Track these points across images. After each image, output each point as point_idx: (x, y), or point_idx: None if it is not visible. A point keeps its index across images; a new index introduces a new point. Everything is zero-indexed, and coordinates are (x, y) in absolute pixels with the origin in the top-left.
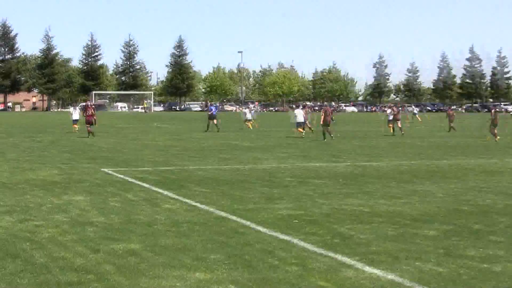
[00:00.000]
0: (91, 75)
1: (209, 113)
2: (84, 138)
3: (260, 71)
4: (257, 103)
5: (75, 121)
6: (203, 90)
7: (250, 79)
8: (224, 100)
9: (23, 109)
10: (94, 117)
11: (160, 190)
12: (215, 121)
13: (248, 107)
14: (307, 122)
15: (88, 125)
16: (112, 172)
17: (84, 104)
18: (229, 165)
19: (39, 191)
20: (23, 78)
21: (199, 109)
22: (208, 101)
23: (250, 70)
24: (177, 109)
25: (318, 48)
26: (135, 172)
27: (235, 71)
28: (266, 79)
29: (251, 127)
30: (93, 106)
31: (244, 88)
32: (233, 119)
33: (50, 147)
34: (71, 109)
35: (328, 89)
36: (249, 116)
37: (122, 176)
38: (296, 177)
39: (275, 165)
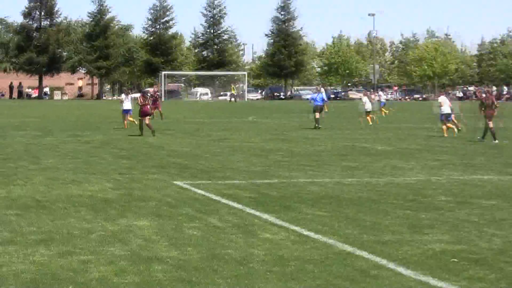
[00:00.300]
0: (159, 49)
1: (310, 102)
2: (148, 138)
3: (401, 43)
4: (396, 87)
5: (126, 112)
6: (319, 69)
7: (386, 53)
8: (349, 84)
9: (65, 97)
10: (159, 108)
11: (258, 213)
12: (317, 114)
13: (367, 94)
14: (453, 115)
15: (143, 117)
16: (189, 187)
17: (147, 90)
18: (355, 177)
19: (86, 212)
20: (65, 54)
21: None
22: (324, 86)
23: (386, 41)
24: (282, 96)
25: (485, 9)
26: (222, 186)
27: (365, 43)
28: (410, 53)
29: (370, 121)
30: (157, 94)
31: (377, 66)
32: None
33: (102, 150)
34: (122, 95)
35: (501, 67)
36: (369, 106)
37: (203, 192)
38: (454, 196)
39: (422, 178)
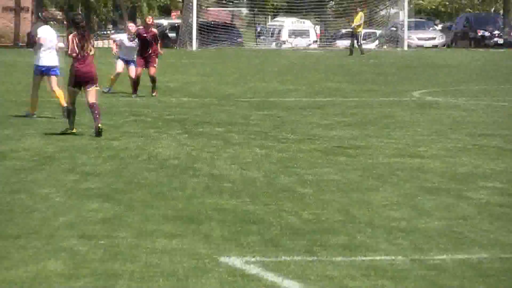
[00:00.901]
0: None
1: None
2: (154, 146)
3: None
4: None
5: (45, 71)
6: None
7: None
8: None
9: None
10: (151, 64)
11: None
12: None
13: None
14: None
15: (86, 86)
16: (260, 271)
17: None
18: None
19: None
20: None
21: None
22: None
23: None
24: (496, 39)
25: None
26: (344, 271)
27: None
28: None
29: None
30: (154, 32)
31: None
32: None
33: (38, 176)
34: (38, 31)
35: None
36: None
37: (294, 284)
38: None
39: None
